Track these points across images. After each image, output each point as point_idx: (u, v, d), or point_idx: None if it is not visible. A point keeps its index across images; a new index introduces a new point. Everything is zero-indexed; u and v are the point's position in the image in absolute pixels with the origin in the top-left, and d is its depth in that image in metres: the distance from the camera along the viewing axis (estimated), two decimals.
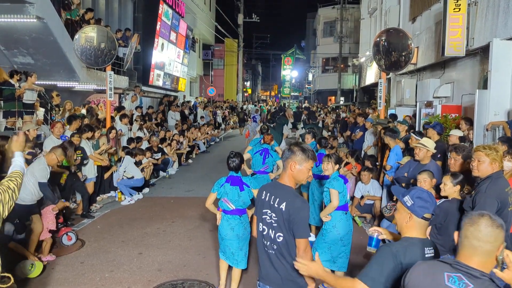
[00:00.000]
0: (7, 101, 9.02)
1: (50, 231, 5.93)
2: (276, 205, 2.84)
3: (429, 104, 10.52)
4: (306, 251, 2.75)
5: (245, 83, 47.65)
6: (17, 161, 3.31)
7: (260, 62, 64.39)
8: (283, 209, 2.79)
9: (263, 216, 2.94)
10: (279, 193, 2.87)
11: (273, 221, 2.86)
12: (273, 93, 63.42)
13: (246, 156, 7.03)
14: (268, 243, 2.90)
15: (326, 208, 4.88)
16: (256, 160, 7.00)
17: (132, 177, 9.23)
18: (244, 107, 31.15)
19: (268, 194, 2.93)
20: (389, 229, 5.86)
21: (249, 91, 54.30)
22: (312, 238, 2.93)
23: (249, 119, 25.16)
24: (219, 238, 4.78)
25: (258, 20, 33.74)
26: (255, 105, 32.59)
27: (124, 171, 9.22)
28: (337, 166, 5.05)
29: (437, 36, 10.65)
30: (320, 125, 16.31)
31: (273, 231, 2.86)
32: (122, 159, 9.44)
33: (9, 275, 3.10)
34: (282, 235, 2.82)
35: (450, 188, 4.28)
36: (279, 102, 45.90)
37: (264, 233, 2.94)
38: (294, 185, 2.93)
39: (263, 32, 56.15)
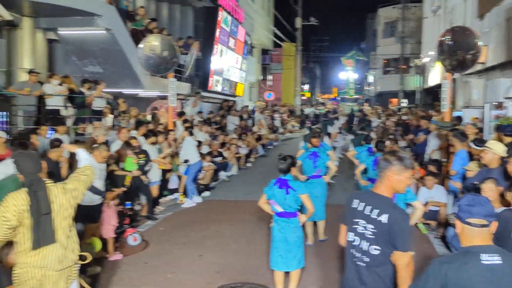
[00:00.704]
0: (78, 109, 9.65)
1: (116, 231, 6.27)
2: (374, 216, 2.70)
3: (499, 105, 9.88)
4: (409, 266, 2.62)
5: (303, 86, 47.43)
6: (81, 155, 3.66)
7: (319, 65, 63.79)
8: (385, 221, 2.66)
9: (354, 226, 2.82)
10: (378, 203, 2.74)
11: (368, 233, 2.73)
12: (331, 96, 62.56)
13: (297, 162, 6.95)
14: (359, 254, 2.78)
15: None
16: (307, 165, 6.84)
17: (189, 165, 9.48)
18: (305, 110, 31.10)
19: (363, 203, 2.80)
20: (455, 238, 5.59)
21: (307, 94, 53.97)
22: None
23: (308, 122, 25.03)
24: (271, 240, 4.80)
25: (317, 23, 33.47)
26: (314, 108, 32.37)
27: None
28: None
29: (509, 33, 10.00)
30: (374, 126, 15.85)
31: (367, 243, 2.73)
32: (182, 140, 9.72)
33: (87, 253, 3.42)
34: (379, 248, 2.69)
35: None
36: (337, 104, 45.21)
37: (354, 243, 2.82)
38: (391, 195, 2.81)
39: (321, 34, 55.56)
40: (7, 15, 8.96)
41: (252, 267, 5.86)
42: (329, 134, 12.14)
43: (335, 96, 58.57)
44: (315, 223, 6.82)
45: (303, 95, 45.37)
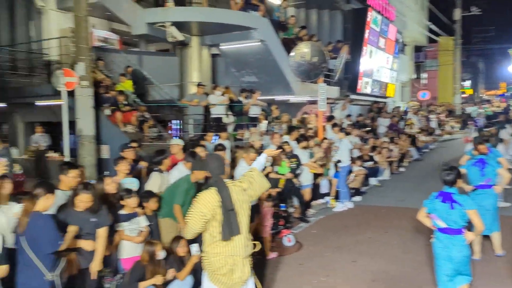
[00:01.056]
0: (237, 116, 10.56)
1: (271, 231, 6.66)
2: None
3: None
4: None
5: (463, 83, 43.17)
6: (259, 159, 4.09)
7: (482, 59, 57.26)
8: None
9: None
10: None
11: None
12: (499, 92, 55.55)
13: (462, 170, 6.32)
14: None
15: None
16: (472, 173, 6.14)
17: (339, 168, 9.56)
18: (466, 109, 28.37)
19: None
20: None
21: (469, 91, 48.97)
22: None
23: (470, 122, 22.72)
24: (434, 257, 4.51)
25: (479, 13, 30.20)
26: (478, 107, 29.24)
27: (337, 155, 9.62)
28: None
29: None
30: None
31: None
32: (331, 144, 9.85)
33: (257, 242, 3.87)
34: None
35: None
36: (506, 102, 39.94)
37: None
38: None
39: (485, 25, 49.72)
40: (180, 36, 10.34)
41: (408, 277, 5.63)
42: (501, 140, 10.76)
43: (504, 92, 51.83)
44: (485, 237, 6.15)
45: (463, 92, 41.38)
